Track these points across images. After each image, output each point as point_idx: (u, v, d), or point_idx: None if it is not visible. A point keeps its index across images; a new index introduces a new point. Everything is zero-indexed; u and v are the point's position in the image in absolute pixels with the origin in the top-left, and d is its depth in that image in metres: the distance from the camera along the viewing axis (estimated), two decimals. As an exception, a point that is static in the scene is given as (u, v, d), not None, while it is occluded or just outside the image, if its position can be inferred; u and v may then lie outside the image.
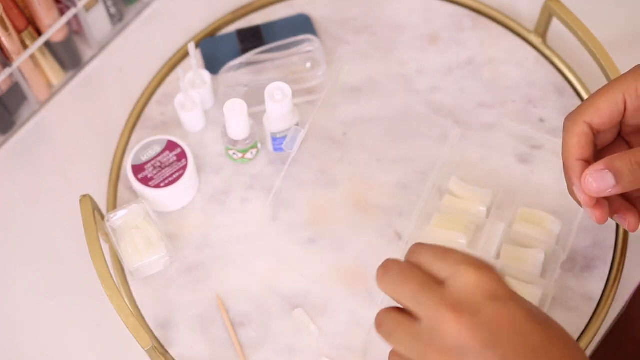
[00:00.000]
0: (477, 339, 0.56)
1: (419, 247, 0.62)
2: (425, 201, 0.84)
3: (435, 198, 0.85)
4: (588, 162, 0.65)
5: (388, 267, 0.62)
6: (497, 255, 0.81)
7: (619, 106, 0.65)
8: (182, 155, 0.85)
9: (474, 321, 0.56)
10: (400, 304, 0.60)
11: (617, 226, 0.84)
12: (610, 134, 0.69)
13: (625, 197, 0.69)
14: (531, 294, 0.79)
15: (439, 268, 0.59)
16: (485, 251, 0.81)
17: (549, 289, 0.79)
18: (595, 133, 0.66)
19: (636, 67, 0.66)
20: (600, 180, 0.62)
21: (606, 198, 0.66)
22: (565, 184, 0.70)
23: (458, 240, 0.81)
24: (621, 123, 0.68)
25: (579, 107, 0.66)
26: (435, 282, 0.59)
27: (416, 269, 0.60)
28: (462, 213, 0.83)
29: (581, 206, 0.67)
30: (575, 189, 0.65)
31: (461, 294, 0.57)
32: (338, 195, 0.87)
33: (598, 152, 0.70)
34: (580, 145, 0.66)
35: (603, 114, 0.65)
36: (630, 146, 0.69)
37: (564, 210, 0.83)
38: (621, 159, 0.62)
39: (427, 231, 0.82)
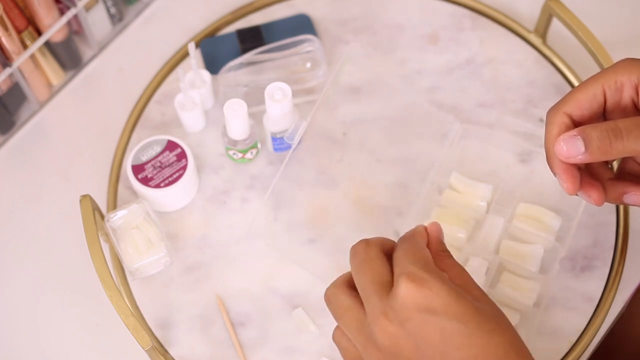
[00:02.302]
0: (403, 347, 0.60)
1: (401, 240, 0.65)
2: (424, 197, 0.84)
3: (435, 195, 0.85)
4: None
5: (355, 251, 0.65)
6: (497, 250, 0.81)
7: (597, 98, 0.66)
8: (182, 155, 0.85)
9: (401, 330, 0.60)
10: None
11: (617, 226, 0.85)
12: None
13: (594, 176, 0.70)
14: (530, 289, 0.79)
15: (394, 270, 0.63)
16: (484, 246, 0.81)
17: (547, 285, 0.79)
18: (576, 124, 0.67)
19: (618, 62, 0.67)
20: (571, 145, 0.64)
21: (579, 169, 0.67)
22: None
23: (458, 235, 0.82)
24: (606, 116, 0.68)
25: (560, 100, 0.68)
26: (390, 281, 0.62)
27: (375, 264, 0.63)
28: (462, 208, 0.83)
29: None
30: (557, 177, 0.67)
31: (396, 303, 0.60)
32: (338, 195, 0.87)
33: (621, 166, 0.71)
34: (560, 135, 0.66)
35: (582, 105, 0.66)
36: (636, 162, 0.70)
37: (564, 207, 0.83)
38: (594, 127, 0.63)
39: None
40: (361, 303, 0.63)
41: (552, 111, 0.67)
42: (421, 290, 0.59)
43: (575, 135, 0.63)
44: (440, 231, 0.68)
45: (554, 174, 0.67)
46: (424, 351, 0.60)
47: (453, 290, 0.60)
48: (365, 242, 0.65)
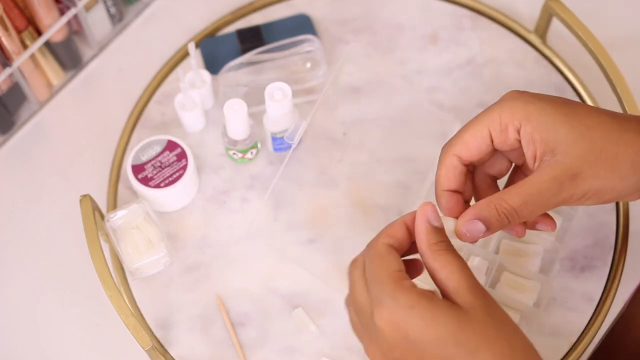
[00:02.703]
0: None
1: (365, 252, 0.64)
2: (424, 197, 0.84)
3: (434, 194, 0.85)
4: (456, 192, 0.68)
5: (348, 272, 0.65)
6: (497, 250, 0.81)
7: (485, 140, 0.67)
8: (182, 155, 0.85)
9: (386, 357, 0.61)
10: None
11: (617, 226, 0.85)
12: (499, 164, 0.70)
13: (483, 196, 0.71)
14: (530, 289, 0.79)
15: (370, 296, 0.62)
16: (484, 246, 0.81)
17: (547, 285, 0.79)
18: (466, 164, 0.68)
19: (504, 97, 0.67)
20: (473, 228, 0.65)
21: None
22: None
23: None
24: (503, 153, 0.70)
25: (451, 139, 0.69)
26: (367, 308, 0.62)
27: (355, 290, 0.63)
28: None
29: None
30: (441, 215, 0.67)
31: (376, 335, 0.61)
32: (338, 195, 0.87)
33: (507, 184, 0.72)
34: (447, 177, 0.68)
35: (470, 147, 0.67)
36: (526, 175, 0.70)
37: (564, 207, 0.83)
38: (488, 208, 0.64)
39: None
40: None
41: (443, 151, 0.69)
42: (392, 318, 0.59)
43: (472, 219, 0.64)
44: (432, 217, 0.64)
45: (440, 208, 0.68)
46: None
47: (427, 311, 0.59)
48: (351, 263, 0.65)
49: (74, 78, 0.96)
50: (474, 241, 0.66)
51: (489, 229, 0.64)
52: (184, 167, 0.85)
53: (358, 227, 0.85)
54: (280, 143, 0.88)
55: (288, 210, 0.86)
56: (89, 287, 0.82)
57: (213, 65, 0.93)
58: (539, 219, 0.69)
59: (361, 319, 0.63)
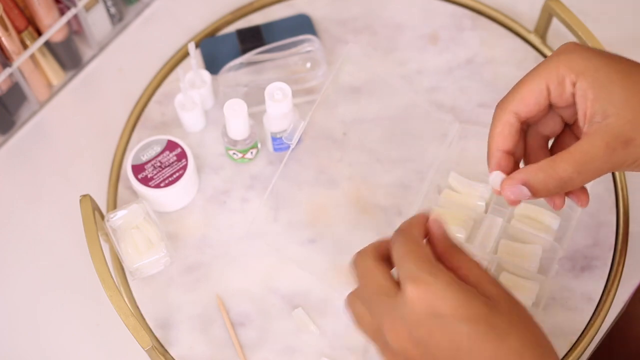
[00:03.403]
0: (415, 354, 0.59)
1: (397, 235, 0.63)
2: (424, 197, 0.84)
3: (434, 195, 0.85)
4: (509, 153, 0.67)
5: (353, 265, 0.64)
6: (495, 251, 0.81)
7: (543, 94, 0.66)
8: (182, 155, 0.85)
9: (411, 336, 0.59)
10: None
11: (617, 226, 0.85)
12: (553, 123, 0.69)
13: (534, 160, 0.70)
14: (529, 289, 0.79)
15: (399, 273, 0.61)
16: (483, 246, 0.81)
17: (546, 285, 0.79)
18: (523, 122, 0.67)
19: (560, 49, 0.66)
20: (518, 192, 0.64)
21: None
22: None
23: (456, 235, 0.82)
24: (557, 110, 0.68)
25: (507, 95, 0.67)
26: (392, 287, 0.60)
27: (373, 274, 0.62)
28: (460, 208, 0.83)
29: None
30: (489, 177, 0.67)
31: (404, 309, 0.59)
32: (338, 195, 0.87)
33: (554, 143, 0.71)
34: (503, 135, 0.67)
35: (528, 102, 0.66)
36: (576, 136, 0.69)
37: (563, 208, 0.83)
38: (537, 176, 0.64)
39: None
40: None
41: (499, 107, 0.67)
42: (427, 294, 0.58)
43: (520, 184, 0.64)
44: (443, 227, 0.64)
45: (489, 165, 0.67)
46: (434, 357, 0.58)
47: (462, 291, 0.58)
48: (359, 254, 0.64)
49: (74, 78, 0.96)
50: (516, 203, 0.65)
51: (535, 194, 0.64)
52: (184, 167, 0.85)
53: (358, 227, 0.85)
54: (280, 143, 0.88)
55: (288, 210, 0.86)
56: (89, 287, 0.82)
57: (213, 65, 0.93)
58: (575, 191, 0.68)
59: (380, 304, 0.60)
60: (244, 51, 0.93)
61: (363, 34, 0.96)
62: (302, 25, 0.95)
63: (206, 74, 0.90)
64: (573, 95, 0.65)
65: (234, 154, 0.87)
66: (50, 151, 0.93)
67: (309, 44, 0.91)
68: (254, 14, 0.98)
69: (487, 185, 0.84)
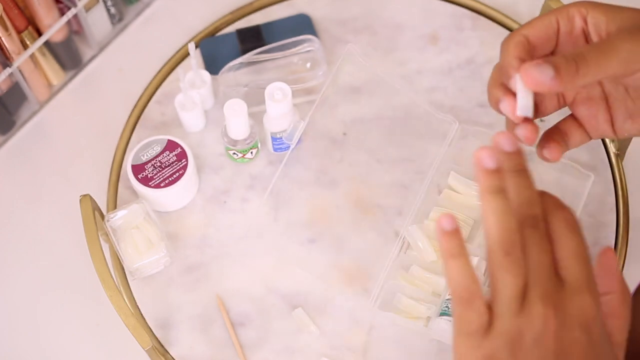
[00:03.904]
0: None
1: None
2: (424, 197, 0.84)
3: (434, 195, 0.85)
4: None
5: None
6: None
7: (552, 25, 0.66)
8: (182, 155, 0.85)
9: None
10: None
11: (617, 226, 0.84)
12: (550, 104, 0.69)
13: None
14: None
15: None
16: (482, 247, 0.81)
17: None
18: (532, 46, 0.66)
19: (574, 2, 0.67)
20: (540, 71, 0.60)
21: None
22: (561, 179, 0.70)
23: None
24: (558, 47, 0.68)
25: (516, 29, 0.68)
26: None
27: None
28: (460, 208, 0.83)
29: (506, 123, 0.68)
30: (503, 104, 0.65)
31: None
32: (338, 195, 0.87)
33: (552, 129, 0.70)
34: (518, 49, 0.65)
35: (538, 29, 0.66)
36: (578, 123, 0.70)
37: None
38: (556, 56, 0.61)
39: (425, 226, 0.83)
40: None
41: (508, 36, 0.67)
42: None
43: (540, 62, 0.60)
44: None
45: (499, 109, 0.66)
46: None
47: None
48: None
49: (74, 78, 0.96)
50: (540, 89, 0.61)
51: (558, 73, 0.60)
52: (184, 167, 0.85)
53: (358, 227, 0.85)
54: (280, 143, 0.88)
55: (288, 210, 0.86)
56: (89, 287, 0.82)
57: (213, 65, 0.93)
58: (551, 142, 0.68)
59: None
60: (244, 51, 0.93)
61: (363, 34, 0.96)
62: (302, 25, 0.95)
63: (206, 74, 0.90)
64: (584, 33, 0.65)
65: (234, 154, 0.87)
66: (50, 151, 0.93)
67: (309, 44, 0.91)
68: (254, 14, 0.98)
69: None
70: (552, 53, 0.68)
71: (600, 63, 0.61)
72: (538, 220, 0.55)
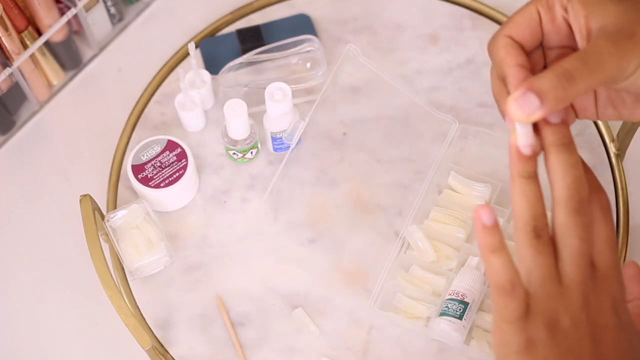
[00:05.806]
0: None
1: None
2: (423, 197, 0.84)
3: (434, 195, 0.85)
4: (526, 69, 0.62)
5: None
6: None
7: (534, 18, 0.63)
8: (182, 155, 0.85)
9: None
10: None
11: (617, 226, 0.85)
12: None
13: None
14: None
15: None
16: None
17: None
18: (518, 44, 0.64)
19: None
20: (525, 103, 0.56)
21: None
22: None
23: (456, 235, 0.82)
24: (544, 36, 0.65)
25: (499, 28, 0.65)
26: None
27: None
28: (460, 208, 0.83)
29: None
30: (510, 147, 0.62)
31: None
32: (338, 195, 0.87)
33: None
34: (509, 53, 0.62)
35: (520, 25, 0.63)
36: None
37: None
38: (541, 77, 0.57)
39: (426, 226, 0.83)
40: None
41: (492, 38, 0.64)
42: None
43: (524, 92, 0.57)
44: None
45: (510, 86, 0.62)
46: None
47: None
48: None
49: (74, 78, 0.96)
50: (526, 119, 0.57)
51: (544, 100, 0.56)
52: (184, 167, 0.85)
53: (358, 227, 0.85)
54: (280, 143, 0.88)
55: (288, 210, 0.86)
56: (89, 287, 0.82)
57: (213, 65, 0.93)
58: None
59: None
60: (244, 51, 0.93)
61: (363, 34, 0.96)
62: (302, 25, 0.95)
63: (206, 74, 0.90)
64: (566, 21, 0.63)
65: (234, 154, 0.87)
66: (50, 151, 0.93)
67: (309, 44, 0.91)
68: (254, 14, 0.98)
69: (487, 185, 0.84)
70: (541, 45, 0.66)
71: (590, 82, 0.59)
72: (583, 205, 0.56)
